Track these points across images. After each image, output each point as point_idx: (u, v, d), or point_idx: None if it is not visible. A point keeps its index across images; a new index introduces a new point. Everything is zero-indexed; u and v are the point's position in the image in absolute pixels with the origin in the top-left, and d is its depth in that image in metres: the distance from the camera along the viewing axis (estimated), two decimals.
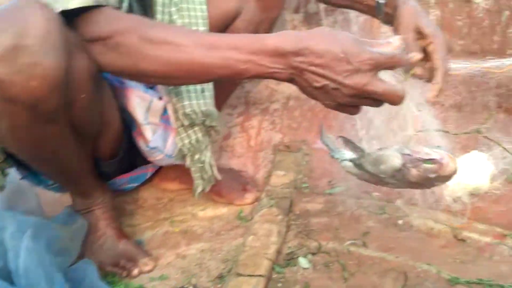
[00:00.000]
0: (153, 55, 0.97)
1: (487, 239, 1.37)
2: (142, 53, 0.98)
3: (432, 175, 0.98)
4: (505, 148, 1.43)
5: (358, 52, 0.88)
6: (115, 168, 1.42)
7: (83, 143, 1.22)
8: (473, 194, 1.42)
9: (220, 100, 1.56)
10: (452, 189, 1.42)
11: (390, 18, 1.27)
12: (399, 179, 1.02)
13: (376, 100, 0.92)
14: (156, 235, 1.52)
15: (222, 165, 1.85)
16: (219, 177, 1.48)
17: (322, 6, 1.62)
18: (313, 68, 0.89)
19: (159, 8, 1.27)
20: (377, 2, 1.28)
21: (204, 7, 1.35)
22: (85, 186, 1.36)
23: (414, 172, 0.99)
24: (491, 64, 1.07)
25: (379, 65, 0.89)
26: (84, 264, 1.26)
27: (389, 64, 0.90)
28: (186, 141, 1.37)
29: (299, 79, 0.93)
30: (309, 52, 0.89)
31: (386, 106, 0.95)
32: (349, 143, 1.11)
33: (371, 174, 1.06)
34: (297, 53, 0.90)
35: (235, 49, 0.94)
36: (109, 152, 1.37)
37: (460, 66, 1.07)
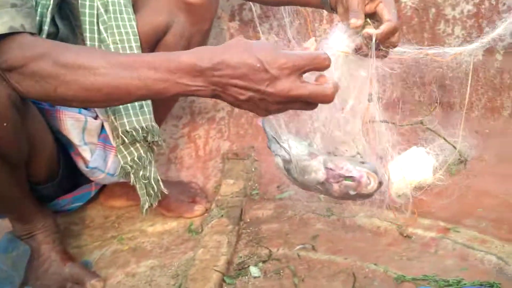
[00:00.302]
0: (69, 80, 0.95)
1: (432, 234, 1.41)
2: (58, 79, 0.95)
3: (352, 192, 1.01)
4: (445, 139, 1.46)
5: (274, 58, 0.86)
6: (54, 190, 1.38)
7: (13, 170, 1.17)
8: (417, 188, 1.46)
9: (161, 114, 1.54)
10: (397, 186, 1.45)
11: (334, 3, 1.24)
12: (323, 191, 1.05)
13: (307, 102, 0.90)
14: (105, 254, 1.49)
15: (171, 177, 1.83)
16: (166, 191, 1.46)
17: (257, 13, 1.63)
18: (233, 81, 0.88)
19: (86, 27, 1.25)
20: None
21: (133, 23, 1.33)
22: (23, 212, 1.32)
23: (335, 187, 1.01)
24: (435, 51, 1.10)
25: (298, 68, 0.87)
26: None
27: (311, 65, 0.88)
28: (129, 158, 1.35)
29: (223, 95, 0.91)
30: (225, 66, 0.88)
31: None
32: (278, 143, 1.09)
33: (297, 181, 1.07)
34: (213, 68, 0.88)
35: (152, 69, 0.92)
36: (45, 175, 1.32)
37: (405, 51, 1.09)
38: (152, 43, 1.43)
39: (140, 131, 1.33)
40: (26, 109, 1.13)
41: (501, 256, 1.27)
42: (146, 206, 1.40)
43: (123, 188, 1.65)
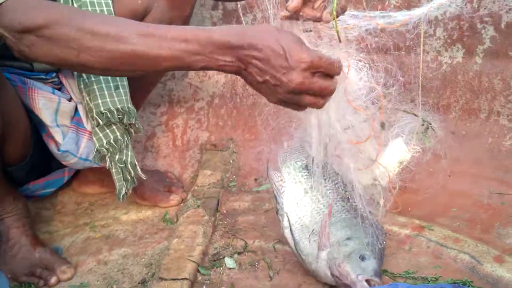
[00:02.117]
0: (95, 47, 0.93)
1: (407, 232, 1.41)
2: (83, 45, 0.93)
3: None
4: (406, 111, 1.45)
5: (297, 51, 0.91)
6: (24, 172, 1.34)
7: None
8: (400, 167, 1.45)
9: (138, 98, 1.51)
10: (382, 169, 1.43)
11: None
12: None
13: (316, 95, 0.95)
14: (76, 241, 1.45)
15: (147, 166, 1.80)
16: (143, 176, 1.43)
17: (241, 3, 1.62)
18: (256, 62, 0.92)
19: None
20: None
21: (109, 2, 1.30)
22: None
23: None
24: (384, 20, 1.09)
25: (314, 66, 0.92)
26: None
27: (326, 69, 0.93)
28: (104, 141, 1.32)
29: (245, 72, 0.94)
30: (253, 46, 0.91)
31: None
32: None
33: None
34: (243, 47, 0.92)
35: (184, 41, 0.93)
36: (17, 155, 1.28)
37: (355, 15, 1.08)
38: None
39: (116, 113, 1.30)
40: (1, 83, 1.09)
41: (474, 255, 1.28)
42: (123, 191, 1.37)
43: (96, 174, 1.62)
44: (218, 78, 1.97)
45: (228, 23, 1.89)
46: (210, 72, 1.95)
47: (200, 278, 1.27)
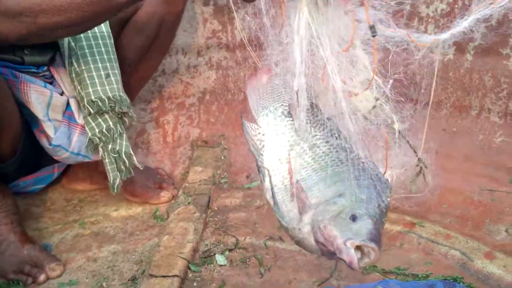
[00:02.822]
0: (46, 7, 0.94)
1: (398, 228, 1.42)
2: (34, 10, 0.94)
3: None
4: (410, 144, 1.43)
5: None
6: (14, 169, 1.33)
7: None
8: None
9: (134, 87, 1.50)
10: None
11: None
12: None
13: None
14: (65, 238, 1.44)
15: (138, 162, 1.78)
16: (140, 166, 1.42)
17: None
18: None
19: None
20: None
21: None
22: None
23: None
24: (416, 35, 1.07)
25: None
26: None
27: None
28: (97, 130, 1.31)
29: None
30: None
31: None
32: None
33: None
34: None
35: None
36: (7, 151, 1.27)
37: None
38: (121, 19, 1.39)
39: (107, 101, 1.30)
40: None
41: (465, 251, 1.29)
42: (117, 182, 1.36)
43: (86, 171, 1.61)
44: (209, 74, 1.96)
45: (219, 19, 1.88)
46: (201, 68, 1.94)
47: (190, 275, 1.27)
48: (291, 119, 1.00)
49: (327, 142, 0.97)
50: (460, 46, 1.81)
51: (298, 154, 0.94)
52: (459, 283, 1.18)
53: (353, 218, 0.83)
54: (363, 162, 0.92)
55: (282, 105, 1.01)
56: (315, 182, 0.92)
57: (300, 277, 1.26)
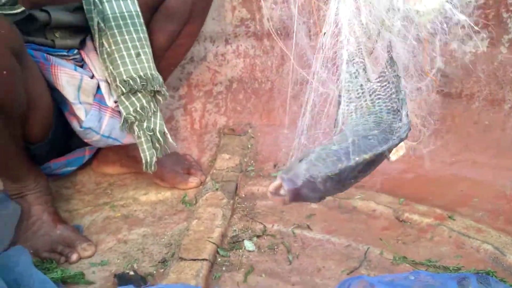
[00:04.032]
0: None
1: (428, 221, 1.40)
2: None
3: None
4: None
5: None
6: (46, 150, 1.34)
7: (9, 124, 1.14)
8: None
9: (163, 73, 1.51)
10: None
11: None
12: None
13: None
14: (96, 220, 1.46)
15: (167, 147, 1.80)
16: (175, 144, 1.44)
17: None
18: None
19: None
20: None
21: None
22: (15, 170, 1.28)
23: None
24: None
25: None
26: (16, 250, 1.18)
27: None
28: (131, 109, 1.33)
29: None
30: None
31: None
32: None
33: None
34: None
35: None
36: (39, 133, 1.29)
37: None
38: (152, 4, 1.40)
39: (138, 80, 1.31)
40: (24, 59, 1.09)
41: (497, 246, 1.27)
42: (154, 160, 1.38)
43: (116, 154, 1.62)
44: (237, 63, 1.96)
45: (247, 7, 1.87)
46: (228, 56, 1.94)
47: (219, 259, 1.28)
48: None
49: (386, 96, 0.94)
50: (494, 38, 1.77)
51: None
52: (492, 277, 1.16)
53: (300, 160, 0.82)
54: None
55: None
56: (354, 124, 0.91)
57: (329, 266, 1.26)
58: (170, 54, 1.58)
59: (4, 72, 1.02)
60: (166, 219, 1.47)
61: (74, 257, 1.28)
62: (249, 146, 1.83)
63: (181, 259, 1.23)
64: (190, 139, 1.88)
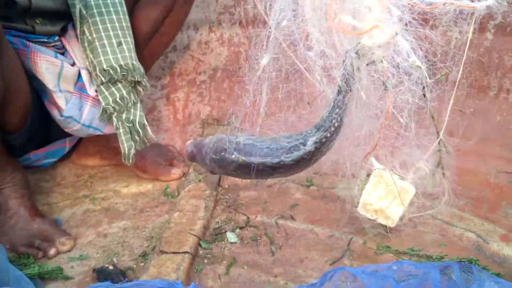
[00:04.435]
0: None
1: (411, 209, 1.39)
2: None
3: None
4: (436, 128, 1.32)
5: None
6: (25, 140, 1.31)
7: None
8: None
9: (146, 62, 1.48)
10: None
11: None
12: None
13: None
14: (76, 213, 1.43)
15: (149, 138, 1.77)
16: (154, 137, 1.41)
17: None
18: None
19: None
20: None
21: None
22: None
23: None
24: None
25: None
26: None
27: None
28: (110, 99, 1.29)
29: None
30: None
31: None
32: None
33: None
34: None
35: None
36: (17, 122, 1.25)
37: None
38: None
39: (119, 69, 1.28)
40: (3, 47, 1.05)
41: (480, 234, 1.26)
42: (132, 151, 1.35)
43: (97, 146, 1.59)
44: (221, 51, 1.92)
45: None
46: (212, 45, 1.91)
47: (201, 252, 1.26)
48: None
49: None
50: (480, 24, 1.75)
51: None
52: (475, 265, 1.15)
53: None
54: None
55: None
56: None
57: (312, 256, 1.24)
58: (153, 43, 1.55)
59: None
60: (148, 211, 1.44)
61: (52, 251, 1.25)
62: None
63: (162, 252, 1.21)
64: (173, 130, 1.85)
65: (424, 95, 1.04)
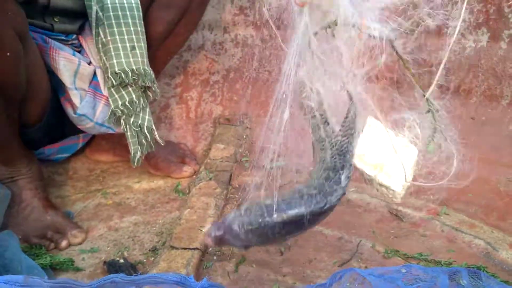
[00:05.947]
0: None
1: (421, 215, 1.40)
2: None
3: None
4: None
5: None
6: (40, 135, 1.33)
7: (8, 106, 1.12)
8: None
9: (160, 61, 1.49)
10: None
11: None
12: None
13: None
14: (87, 207, 1.45)
15: (160, 136, 1.78)
16: (161, 142, 1.42)
17: None
18: None
19: None
20: None
21: None
22: (8, 153, 1.27)
23: None
24: None
25: None
26: (5, 235, 1.17)
27: None
28: (119, 102, 1.31)
29: None
30: None
31: None
32: None
33: None
34: None
35: None
36: (36, 117, 1.27)
37: None
38: None
39: (130, 74, 1.29)
40: (28, 42, 1.08)
41: (489, 241, 1.26)
42: (138, 155, 1.36)
43: (110, 142, 1.61)
44: (235, 52, 1.94)
45: None
46: (226, 45, 1.93)
47: (211, 249, 1.27)
48: None
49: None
50: (494, 33, 1.76)
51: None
52: (483, 272, 1.15)
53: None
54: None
55: None
56: None
57: (321, 257, 1.25)
58: (168, 43, 1.56)
59: (8, 54, 1.00)
60: (158, 207, 1.46)
61: (63, 243, 1.27)
62: (245, 136, 1.82)
63: (172, 247, 1.22)
64: (185, 128, 1.86)
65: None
